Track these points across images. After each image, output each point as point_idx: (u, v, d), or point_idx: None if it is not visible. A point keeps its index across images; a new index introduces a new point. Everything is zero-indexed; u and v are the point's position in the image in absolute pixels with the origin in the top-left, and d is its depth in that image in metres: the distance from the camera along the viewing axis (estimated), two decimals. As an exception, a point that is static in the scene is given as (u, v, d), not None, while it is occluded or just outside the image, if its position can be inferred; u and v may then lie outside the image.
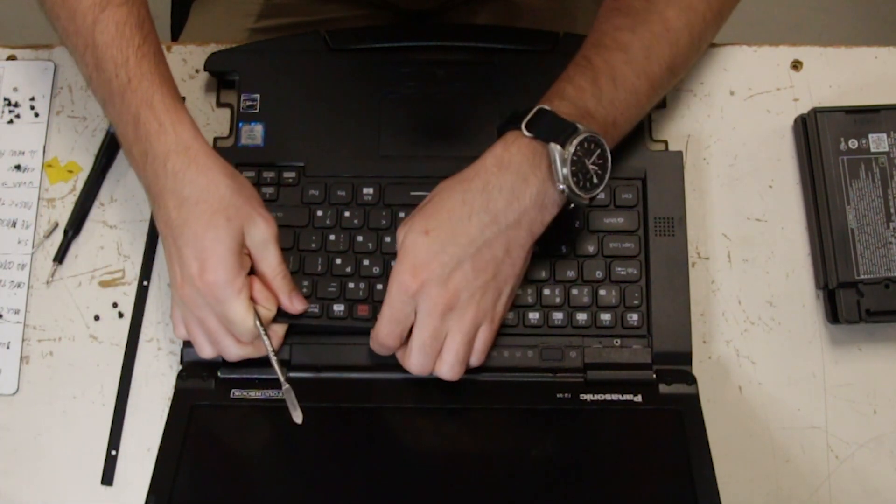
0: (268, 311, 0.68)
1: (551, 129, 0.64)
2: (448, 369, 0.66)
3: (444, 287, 0.64)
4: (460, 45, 0.78)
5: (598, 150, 0.65)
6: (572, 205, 0.66)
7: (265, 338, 0.67)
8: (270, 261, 0.67)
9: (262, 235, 0.66)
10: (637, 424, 0.69)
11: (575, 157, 0.64)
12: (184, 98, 0.80)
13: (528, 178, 0.64)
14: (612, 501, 0.66)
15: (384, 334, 0.66)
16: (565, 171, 0.64)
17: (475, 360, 0.67)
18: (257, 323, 0.66)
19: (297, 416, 0.66)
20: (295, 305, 0.69)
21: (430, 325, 0.65)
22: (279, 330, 0.70)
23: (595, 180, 0.65)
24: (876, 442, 0.73)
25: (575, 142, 0.63)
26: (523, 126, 0.65)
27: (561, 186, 0.64)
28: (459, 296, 0.64)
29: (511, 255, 0.65)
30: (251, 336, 0.67)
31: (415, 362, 0.66)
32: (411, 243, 0.64)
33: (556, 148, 0.64)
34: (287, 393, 0.67)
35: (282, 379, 0.67)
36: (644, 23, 0.69)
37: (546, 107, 0.65)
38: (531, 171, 0.64)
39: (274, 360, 0.67)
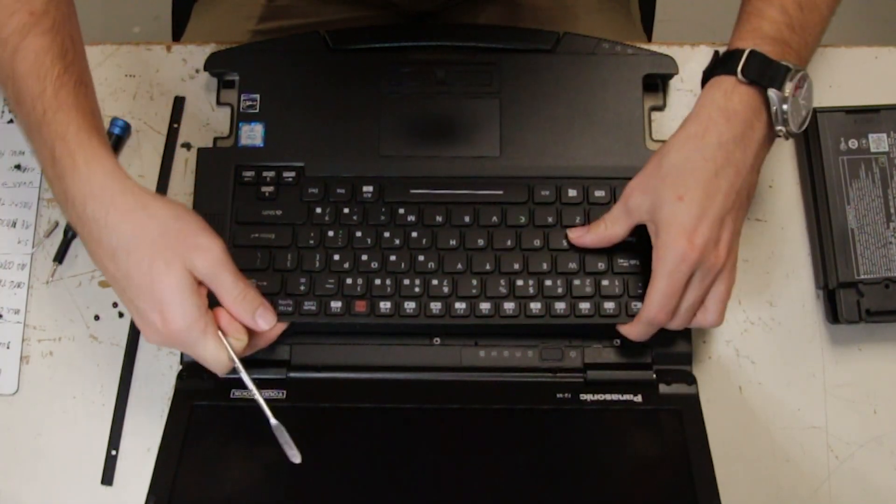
0: (239, 341, 0.64)
1: (765, 73, 0.66)
2: (716, 318, 0.67)
3: (717, 248, 0.65)
4: (460, 44, 0.78)
5: (806, 83, 0.67)
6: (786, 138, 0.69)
7: (243, 374, 0.64)
8: (225, 286, 0.63)
9: (206, 265, 0.62)
10: (637, 424, 0.69)
11: (791, 98, 0.66)
12: (183, 98, 0.80)
13: (753, 125, 0.67)
14: (613, 501, 0.66)
15: (661, 309, 0.66)
16: (785, 111, 0.66)
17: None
18: (233, 357, 0.63)
19: (295, 457, 0.64)
20: (260, 325, 0.64)
21: (703, 287, 0.66)
22: (276, 329, 0.68)
23: (804, 113, 0.68)
24: (876, 442, 0.73)
25: (790, 84, 0.66)
26: (739, 72, 0.66)
27: (780, 128, 0.67)
28: (728, 252, 0.66)
29: (750, 196, 0.68)
30: (228, 369, 0.64)
31: (681, 322, 0.67)
32: (670, 213, 0.65)
33: (775, 93, 0.66)
34: (278, 431, 0.64)
35: (270, 416, 0.64)
36: None
37: (756, 49, 0.66)
38: (755, 116, 0.67)
39: (258, 396, 0.64)
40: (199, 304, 0.62)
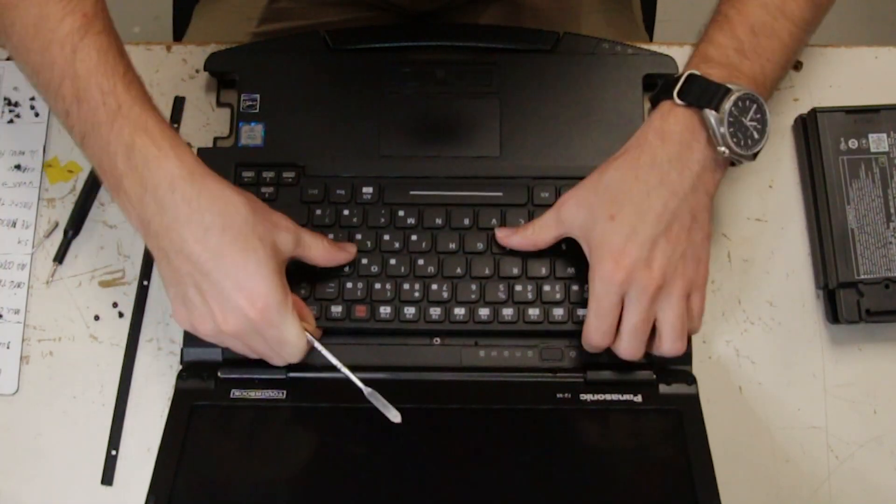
0: (310, 325, 0.68)
1: (703, 95, 0.65)
2: (670, 346, 0.66)
3: (650, 269, 0.64)
4: (460, 44, 0.78)
5: (754, 106, 0.66)
6: (741, 162, 0.67)
7: (327, 354, 0.67)
8: (311, 245, 0.68)
9: (290, 237, 0.66)
10: (637, 424, 0.69)
11: (731, 119, 0.65)
12: (183, 98, 0.80)
13: (691, 146, 0.65)
14: (613, 501, 0.66)
15: (595, 330, 0.66)
16: (723, 132, 0.65)
17: (694, 328, 0.68)
18: (312, 340, 0.66)
19: (395, 416, 0.66)
20: (353, 251, 0.71)
21: (641, 310, 0.65)
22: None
23: (756, 135, 0.66)
24: (876, 442, 0.73)
25: (728, 104, 0.64)
26: (675, 95, 0.66)
27: (721, 149, 0.65)
28: (665, 273, 0.64)
29: (697, 219, 0.66)
30: (302, 355, 0.66)
31: (628, 347, 0.66)
32: (601, 233, 0.65)
33: (710, 113, 0.65)
34: (372, 397, 0.66)
35: (361, 385, 0.67)
36: None
37: (695, 72, 0.66)
38: (692, 137, 0.65)
39: (346, 370, 0.67)
40: (285, 284, 0.65)
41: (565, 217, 0.68)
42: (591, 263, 0.66)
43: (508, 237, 0.71)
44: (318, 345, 0.67)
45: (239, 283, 0.62)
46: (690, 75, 0.66)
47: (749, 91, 0.65)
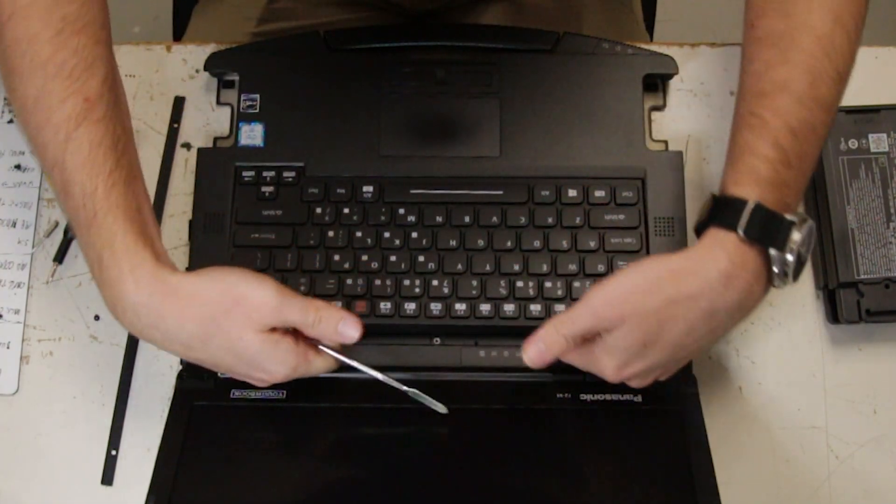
0: (333, 342, 0.67)
1: (767, 231, 0.61)
2: (613, 378, 0.65)
3: (642, 378, 0.65)
4: (460, 44, 0.78)
5: (812, 236, 0.63)
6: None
7: (359, 365, 0.67)
8: (297, 322, 0.64)
9: (269, 318, 0.63)
10: (637, 424, 0.69)
11: (797, 256, 0.62)
12: (183, 98, 0.80)
13: (752, 290, 0.62)
14: (613, 501, 0.66)
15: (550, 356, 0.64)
16: (787, 271, 0.62)
17: (641, 383, 0.66)
18: (339, 358, 0.67)
19: (441, 408, 0.66)
20: (348, 338, 0.66)
21: (614, 367, 0.64)
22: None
23: (804, 260, 0.63)
24: (876, 442, 0.73)
25: (795, 243, 0.61)
26: (741, 232, 0.61)
27: (778, 283, 0.63)
28: (654, 374, 0.65)
29: (717, 336, 0.65)
30: (339, 365, 0.67)
31: (582, 366, 0.65)
32: (626, 347, 0.62)
33: (777, 256, 0.62)
34: (415, 395, 0.66)
35: (402, 387, 0.67)
36: (793, 46, 0.64)
37: (757, 201, 0.61)
38: (755, 281, 0.62)
39: (384, 378, 0.67)
40: (289, 347, 0.64)
41: (603, 317, 0.62)
42: (599, 347, 0.63)
43: (542, 357, 0.64)
44: (346, 361, 0.67)
45: (250, 368, 0.65)
46: (755, 208, 0.61)
47: (810, 223, 0.62)
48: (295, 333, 0.65)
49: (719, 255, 0.61)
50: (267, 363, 0.64)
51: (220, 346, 0.63)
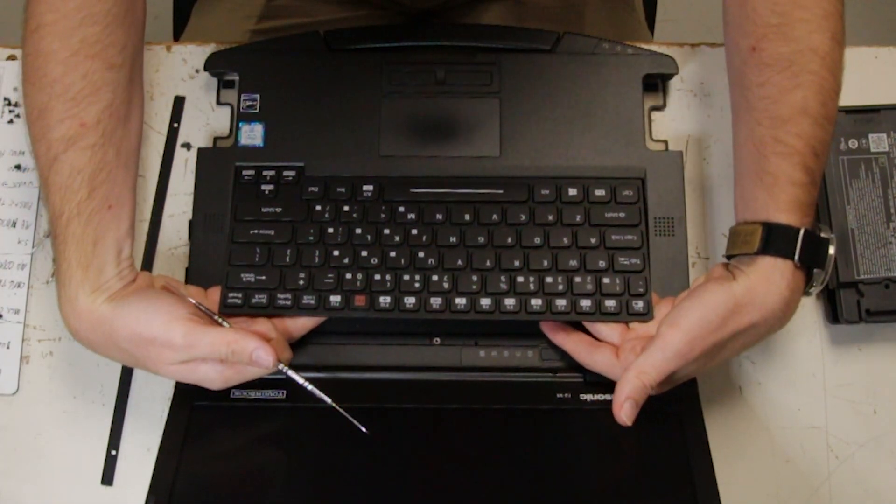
0: (279, 347, 0.68)
1: (816, 256, 0.66)
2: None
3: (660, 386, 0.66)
4: (460, 44, 0.78)
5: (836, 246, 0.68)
6: None
7: (298, 378, 0.67)
8: (212, 354, 0.65)
9: (182, 354, 0.65)
10: (637, 424, 0.69)
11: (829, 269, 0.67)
12: (183, 98, 0.80)
13: (794, 305, 0.66)
14: (613, 501, 0.66)
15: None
16: (822, 282, 0.67)
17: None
18: (284, 368, 0.67)
19: (362, 429, 0.66)
20: (263, 364, 0.65)
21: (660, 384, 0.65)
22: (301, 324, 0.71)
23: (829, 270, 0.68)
24: (876, 442, 0.73)
25: (831, 259, 0.66)
26: (797, 259, 0.65)
27: (811, 291, 0.68)
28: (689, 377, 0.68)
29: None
30: (275, 370, 0.67)
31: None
32: (674, 358, 0.64)
33: (819, 274, 0.67)
34: (340, 411, 0.66)
35: (328, 399, 0.67)
36: (803, 70, 0.67)
37: (805, 228, 0.65)
38: (799, 296, 0.67)
39: (311, 388, 0.67)
40: (210, 368, 0.66)
41: (689, 359, 0.64)
42: (648, 355, 0.64)
43: (630, 414, 0.64)
44: (294, 375, 0.67)
45: (189, 381, 0.67)
46: (805, 234, 0.65)
47: (833, 236, 0.67)
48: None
49: (780, 283, 0.65)
50: (197, 382, 0.66)
51: (149, 370, 0.66)
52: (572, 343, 0.70)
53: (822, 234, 0.66)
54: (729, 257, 0.68)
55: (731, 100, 0.72)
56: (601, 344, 0.69)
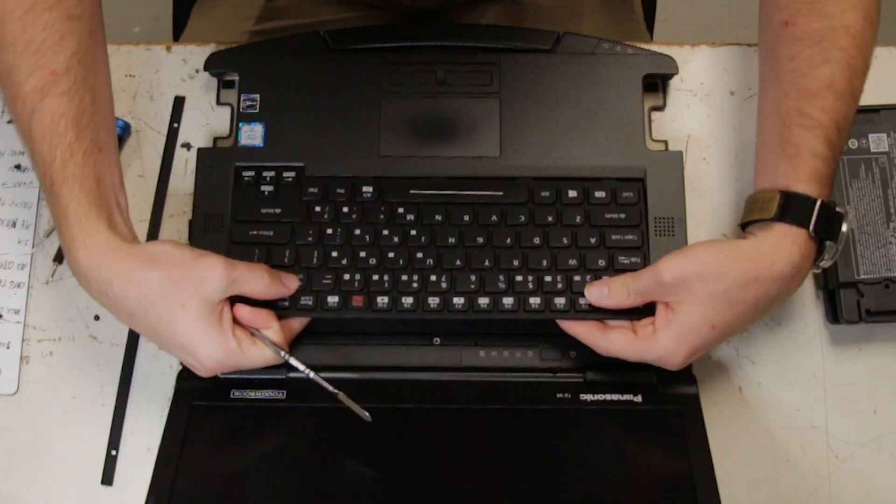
0: (271, 328, 0.68)
1: (830, 228, 0.67)
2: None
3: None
4: (460, 44, 0.78)
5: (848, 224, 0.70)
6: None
7: (293, 360, 0.68)
8: (248, 285, 0.66)
9: (218, 286, 0.65)
10: (637, 424, 0.69)
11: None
12: (183, 98, 0.80)
13: (805, 272, 0.68)
14: (613, 502, 0.66)
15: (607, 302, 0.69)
16: (834, 255, 0.68)
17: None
18: (274, 348, 0.67)
19: (366, 415, 0.66)
20: (292, 287, 0.69)
21: (684, 355, 0.67)
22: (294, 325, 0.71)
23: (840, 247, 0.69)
24: (876, 442, 0.73)
25: (844, 234, 0.67)
26: (812, 229, 0.66)
27: (824, 264, 0.68)
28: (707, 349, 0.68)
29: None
30: (279, 360, 0.68)
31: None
32: (694, 330, 0.65)
33: (831, 247, 0.67)
34: (344, 400, 0.67)
35: (331, 388, 0.67)
36: (833, 45, 0.68)
37: (822, 199, 0.66)
38: (810, 265, 0.68)
39: (314, 377, 0.68)
40: (223, 331, 0.66)
41: (669, 290, 0.66)
42: (662, 327, 0.66)
43: (602, 300, 0.69)
44: (285, 355, 0.68)
45: (181, 349, 0.66)
46: (822, 205, 0.66)
47: (849, 211, 0.70)
48: (234, 322, 0.67)
49: (792, 248, 0.66)
50: (199, 346, 0.65)
51: (160, 316, 0.64)
52: (584, 327, 0.69)
53: (839, 209, 0.67)
54: (744, 227, 0.69)
55: (759, 73, 0.73)
56: (616, 323, 0.69)
